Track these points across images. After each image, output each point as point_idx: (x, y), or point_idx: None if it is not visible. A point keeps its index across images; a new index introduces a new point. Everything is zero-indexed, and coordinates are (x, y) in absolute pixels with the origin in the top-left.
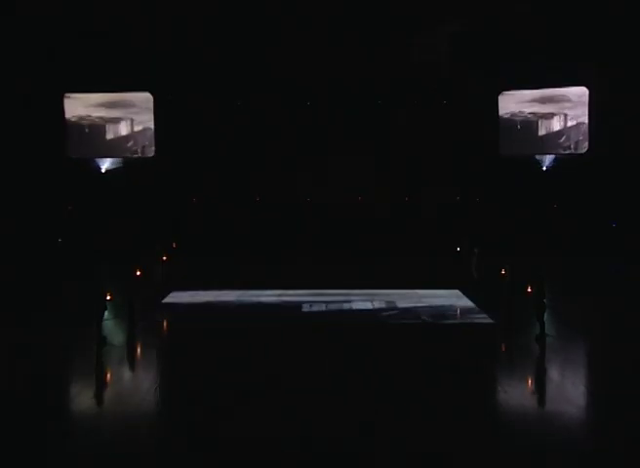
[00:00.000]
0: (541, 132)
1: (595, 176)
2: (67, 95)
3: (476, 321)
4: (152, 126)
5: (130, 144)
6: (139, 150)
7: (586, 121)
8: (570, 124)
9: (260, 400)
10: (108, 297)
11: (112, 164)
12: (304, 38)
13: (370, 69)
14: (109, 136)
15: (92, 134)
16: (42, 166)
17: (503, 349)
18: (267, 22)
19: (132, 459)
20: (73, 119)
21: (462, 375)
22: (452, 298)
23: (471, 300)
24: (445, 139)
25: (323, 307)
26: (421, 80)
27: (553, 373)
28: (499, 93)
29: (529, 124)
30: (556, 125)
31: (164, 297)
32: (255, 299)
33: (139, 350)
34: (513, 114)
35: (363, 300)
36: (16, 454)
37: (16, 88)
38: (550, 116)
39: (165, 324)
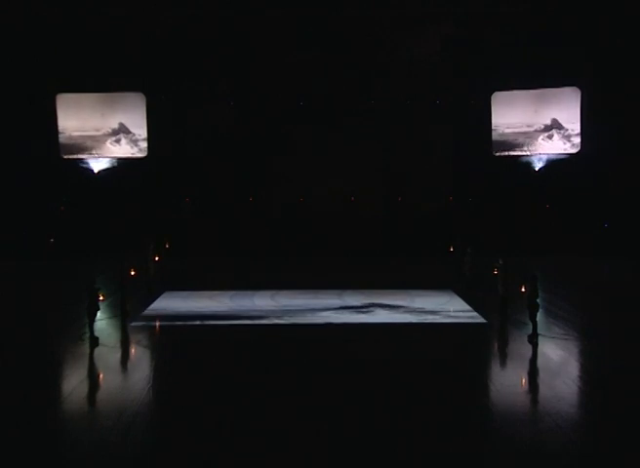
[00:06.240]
0: (533, 131)
1: (587, 176)
2: (60, 95)
3: (469, 320)
4: (145, 126)
5: (122, 144)
6: (130, 150)
7: (578, 121)
8: (561, 123)
9: (254, 399)
10: (100, 298)
11: (105, 164)
12: (299, 38)
13: (365, 69)
14: (101, 136)
15: (84, 134)
16: (34, 166)
17: (496, 348)
18: (260, 22)
19: (124, 459)
20: (66, 119)
21: (455, 375)
22: (445, 298)
23: (464, 300)
24: (438, 139)
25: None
26: (416, 80)
27: (545, 373)
28: (491, 93)
29: (521, 124)
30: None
31: (157, 298)
32: (248, 301)
33: (131, 350)
34: (506, 114)
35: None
36: (9, 456)
37: (7, 88)
38: (541, 115)
39: (157, 324)
